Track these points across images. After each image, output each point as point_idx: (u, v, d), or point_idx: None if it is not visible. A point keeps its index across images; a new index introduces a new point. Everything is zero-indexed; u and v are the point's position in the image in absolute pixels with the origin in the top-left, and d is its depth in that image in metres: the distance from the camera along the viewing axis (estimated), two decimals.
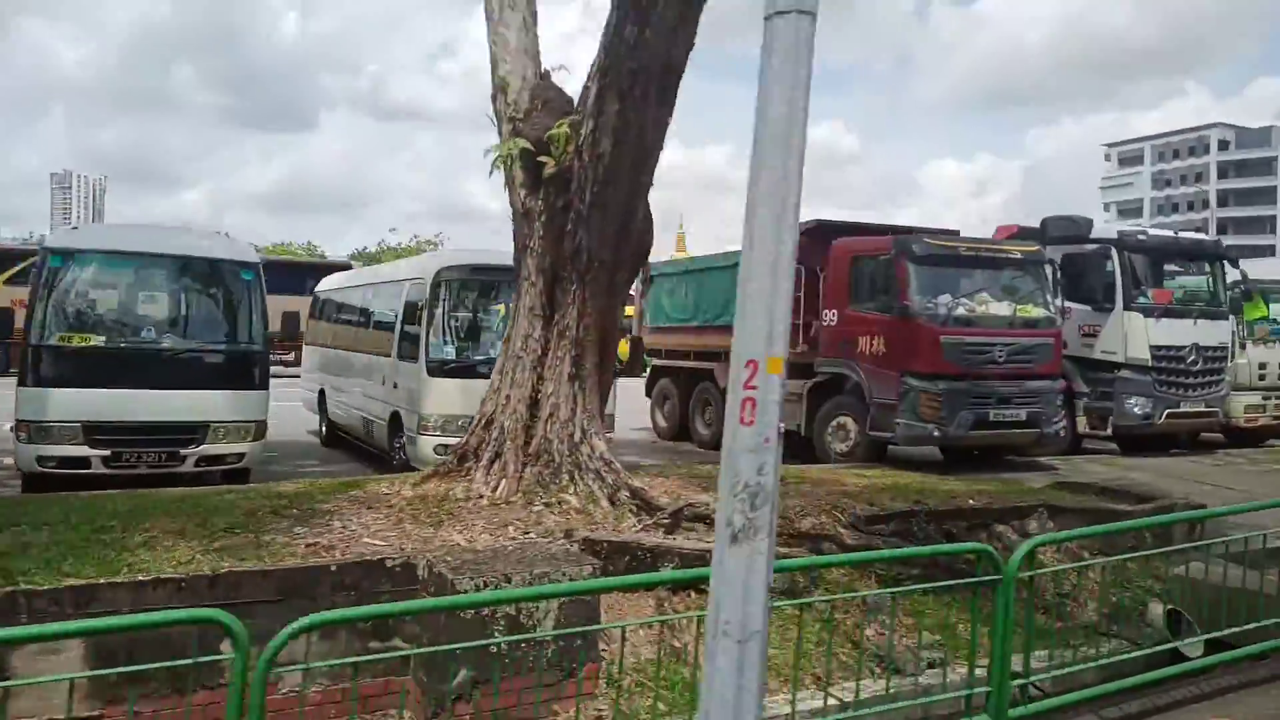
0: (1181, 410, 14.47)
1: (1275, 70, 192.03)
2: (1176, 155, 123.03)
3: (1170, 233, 17.78)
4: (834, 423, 12.98)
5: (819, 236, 13.13)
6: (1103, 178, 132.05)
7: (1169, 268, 15.55)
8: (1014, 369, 12.23)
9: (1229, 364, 15.49)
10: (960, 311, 12.21)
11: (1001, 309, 12.49)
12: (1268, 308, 16.49)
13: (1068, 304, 13.68)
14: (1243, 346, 16.31)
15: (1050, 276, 13.14)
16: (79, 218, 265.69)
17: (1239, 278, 16.04)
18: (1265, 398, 16.56)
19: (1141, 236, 15.18)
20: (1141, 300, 14.24)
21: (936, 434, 11.81)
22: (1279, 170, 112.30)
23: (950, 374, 11.83)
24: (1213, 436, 16.66)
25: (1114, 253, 14.27)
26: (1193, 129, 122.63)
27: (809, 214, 10.22)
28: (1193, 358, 14.47)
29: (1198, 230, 62.04)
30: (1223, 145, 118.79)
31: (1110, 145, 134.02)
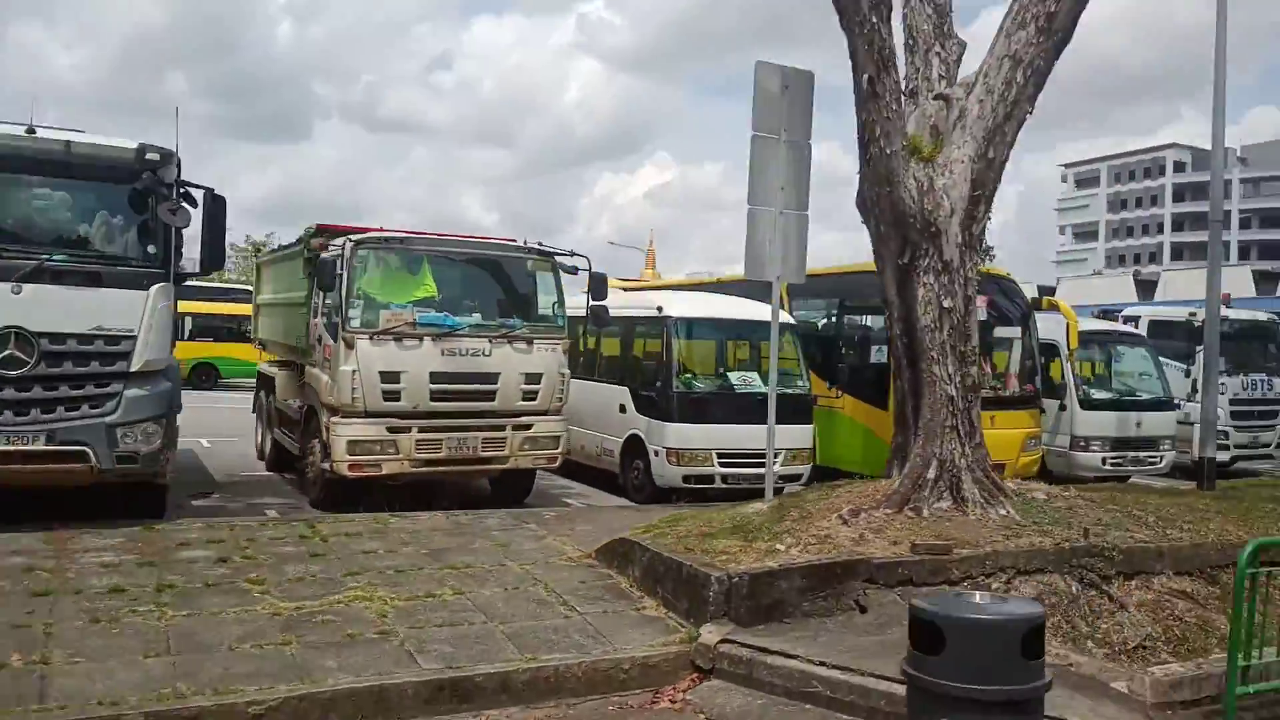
0: None
1: (1274, 99, 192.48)
2: (1132, 176, 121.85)
3: None
4: None
5: None
6: (1059, 199, 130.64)
7: None
8: None
9: None
10: None
11: None
12: None
13: None
14: None
15: None
16: None
17: None
18: None
19: None
20: None
21: None
22: (1234, 194, 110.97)
23: None
24: None
25: None
26: (1148, 150, 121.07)
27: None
28: None
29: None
30: (1179, 167, 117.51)
31: (1067, 165, 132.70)
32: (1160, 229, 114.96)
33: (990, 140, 8.55)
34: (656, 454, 11.63)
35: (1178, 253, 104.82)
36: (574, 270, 11.11)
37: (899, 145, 8.39)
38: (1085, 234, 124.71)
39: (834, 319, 13.63)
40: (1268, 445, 17.05)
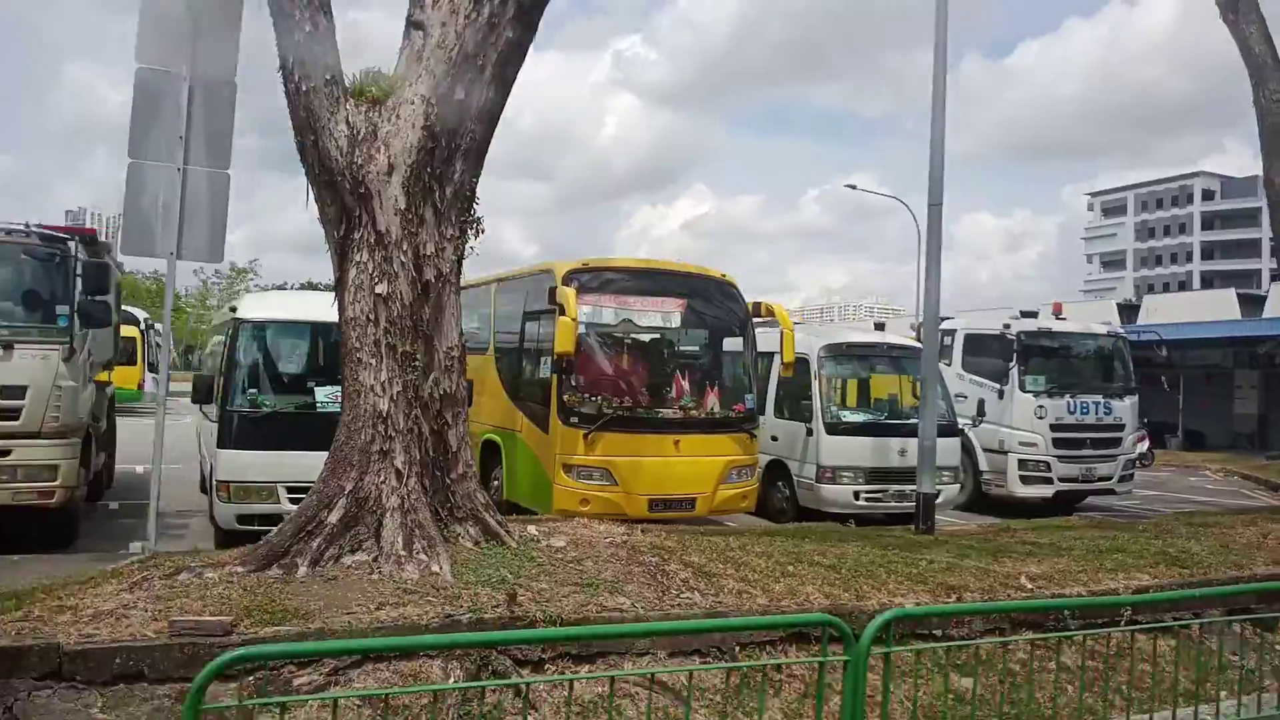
0: None
1: None
2: (1160, 205, 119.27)
3: None
4: None
5: None
6: (1085, 228, 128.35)
7: None
8: None
9: None
10: None
11: None
12: None
13: None
14: None
15: None
16: None
17: None
18: None
19: None
20: None
21: None
22: (1264, 221, 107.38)
23: None
24: None
25: None
26: (1176, 178, 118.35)
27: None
28: None
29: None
30: (1208, 195, 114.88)
31: (1094, 194, 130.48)
32: (1189, 257, 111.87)
33: (456, 74, 6.57)
34: (216, 489, 9.46)
35: (1208, 281, 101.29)
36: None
37: (321, 78, 6.42)
38: (1113, 263, 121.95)
39: (516, 329, 11.58)
40: (1106, 479, 14.62)
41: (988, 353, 14.53)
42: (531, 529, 7.32)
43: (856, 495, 12.00)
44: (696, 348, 11.39)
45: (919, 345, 13.30)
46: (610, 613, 5.86)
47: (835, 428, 12.10)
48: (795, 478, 12.39)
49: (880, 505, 12.14)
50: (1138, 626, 6.34)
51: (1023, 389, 14.03)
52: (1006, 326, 14.31)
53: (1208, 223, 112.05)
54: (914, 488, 12.25)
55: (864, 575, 7.31)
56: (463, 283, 7.26)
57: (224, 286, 63.49)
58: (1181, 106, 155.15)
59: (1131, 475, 15.12)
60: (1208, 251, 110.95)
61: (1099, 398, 14.50)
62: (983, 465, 14.36)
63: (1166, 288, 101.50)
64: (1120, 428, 14.71)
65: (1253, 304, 39.08)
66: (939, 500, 12.51)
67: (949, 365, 15.07)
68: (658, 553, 7.08)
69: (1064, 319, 15.26)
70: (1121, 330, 15.72)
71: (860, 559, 7.86)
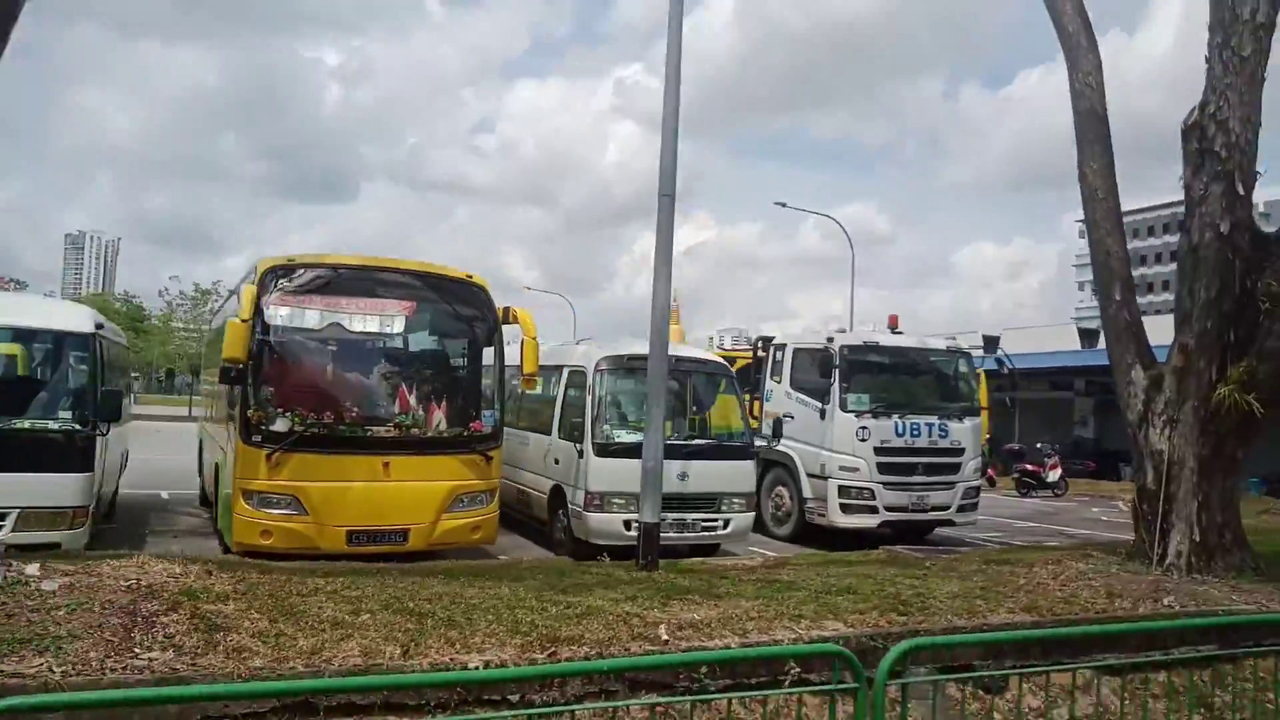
0: None
1: None
2: (1151, 232, 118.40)
3: None
4: None
5: None
6: (1076, 255, 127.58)
7: None
8: None
9: None
10: None
11: None
12: None
13: None
14: None
15: None
16: (89, 279, 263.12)
17: None
18: None
19: None
20: None
21: None
22: None
23: None
24: None
25: None
26: (1167, 205, 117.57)
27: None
28: None
29: None
30: None
31: (1083, 220, 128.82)
32: None
33: None
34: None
35: None
36: None
37: None
38: None
39: None
40: (942, 508, 13.27)
41: (814, 369, 13.24)
42: (32, 567, 6.06)
43: (628, 525, 10.69)
44: (425, 357, 10.13)
45: (716, 359, 12.04)
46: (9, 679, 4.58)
47: (606, 449, 10.81)
48: (569, 505, 11.11)
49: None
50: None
51: (844, 408, 12.76)
52: (830, 340, 13.02)
53: None
54: (697, 516, 11.03)
55: (450, 626, 6.02)
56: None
57: (188, 308, 62.58)
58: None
59: (974, 504, 13.77)
60: None
61: (934, 419, 13.19)
62: (806, 492, 13.06)
63: (1159, 314, 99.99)
64: (959, 452, 13.41)
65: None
66: (726, 531, 11.26)
67: (779, 382, 13.81)
68: (180, 601, 5.80)
69: (900, 333, 13.97)
70: (963, 347, 14.35)
71: (483, 604, 6.60)
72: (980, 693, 6.78)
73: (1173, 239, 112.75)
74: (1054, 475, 25.84)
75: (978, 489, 13.98)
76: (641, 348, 12.03)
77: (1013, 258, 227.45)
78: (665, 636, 6.24)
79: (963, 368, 13.97)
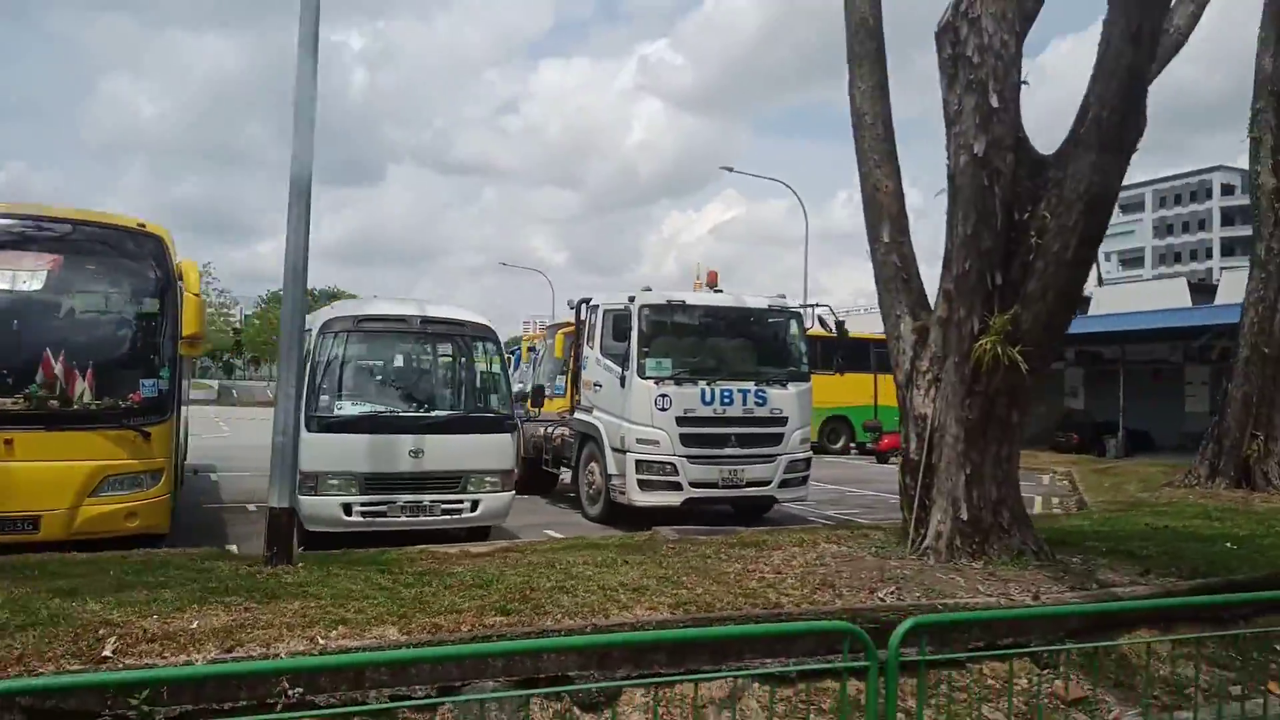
0: None
1: None
2: (1178, 201, 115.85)
3: None
4: None
5: None
6: None
7: None
8: None
9: None
10: None
11: None
12: None
13: None
14: None
15: None
16: None
17: None
18: None
19: None
20: None
21: None
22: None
23: None
24: None
25: None
26: (1194, 172, 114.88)
27: None
28: None
29: None
30: (1227, 190, 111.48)
31: None
32: (1209, 254, 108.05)
33: None
34: None
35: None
36: None
37: None
38: (1131, 260, 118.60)
39: None
40: (761, 483, 11.86)
41: (619, 332, 11.85)
42: None
43: (348, 509, 9.45)
44: (74, 319, 8.85)
45: (478, 321, 10.71)
46: None
47: (324, 422, 9.53)
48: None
49: (383, 521, 9.56)
50: None
51: (641, 375, 11.37)
52: (630, 300, 11.61)
53: (1228, 218, 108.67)
54: (436, 498, 9.77)
55: None
56: None
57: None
58: (1217, 105, 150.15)
59: (802, 479, 12.35)
60: (1228, 248, 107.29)
61: (749, 385, 11.77)
62: (610, 468, 11.68)
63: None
64: (780, 421, 11.99)
65: (1205, 294, 35.60)
66: (475, 513, 10.00)
67: (592, 348, 12.46)
68: None
69: (719, 290, 12.53)
70: (792, 305, 12.88)
71: None
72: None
73: (1200, 206, 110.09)
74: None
75: (807, 461, 12.54)
76: (376, 307, 10.76)
77: None
78: (107, 652, 4.96)
79: (792, 329, 12.51)
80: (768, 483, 11.93)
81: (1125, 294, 38.05)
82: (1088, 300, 39.26)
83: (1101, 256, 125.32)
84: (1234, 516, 11.11)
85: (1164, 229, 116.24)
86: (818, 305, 14.58)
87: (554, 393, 14.38)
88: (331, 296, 59.08)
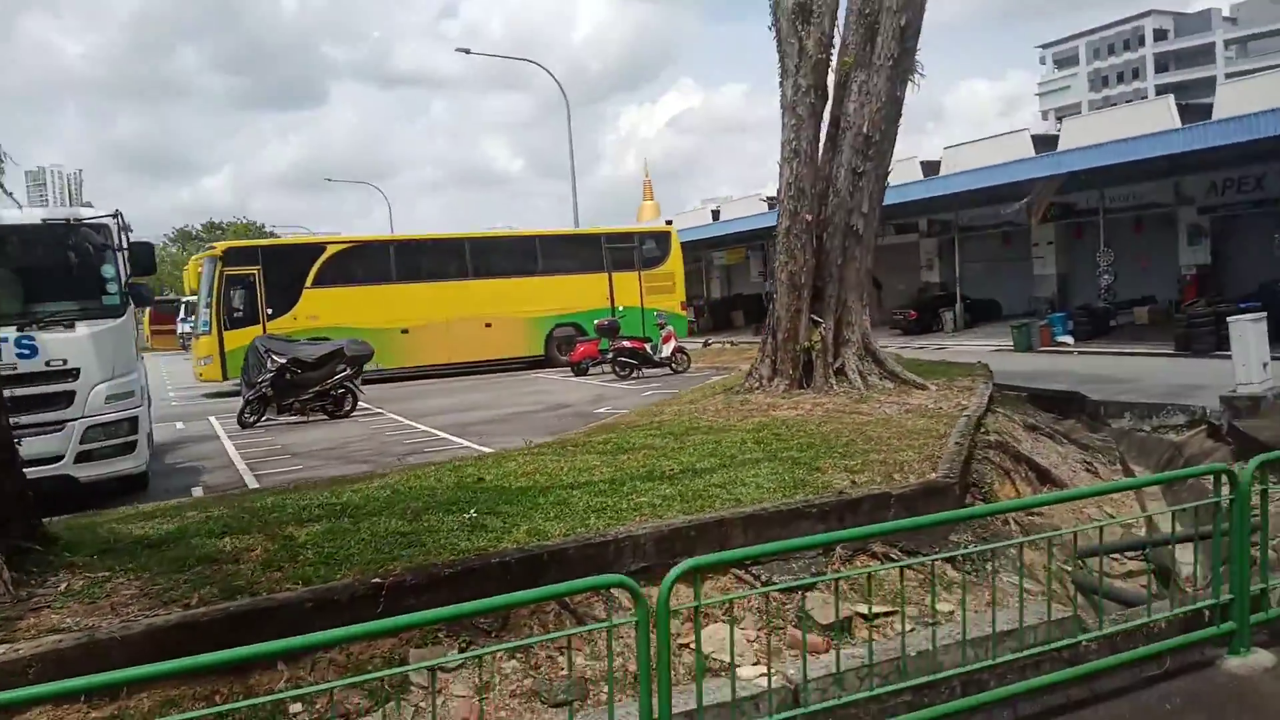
0: None
1: None
2: (1112, 51, 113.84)
3: None
4: None
5: None
6: (1039, 83, 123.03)
7: None
8: None
9: None
10: None
11: None
12: None
13: None
14: None
15: None
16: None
17: None
18: None
19: None
20: None
21: None
22: (1218, 57, 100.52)
23: None
24: None
25: None
26: (1125, 20, 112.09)
27: None
28: None
29: None
30: (1160, 35, 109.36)
31: (1044, 46, 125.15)
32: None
33: None
34: None
35: None
36: None
37: None
38: (1069, 116, 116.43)
39: None
40: (53, 460, 9.35)
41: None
42: None
43: None
44: None
45: None
46: None
47: None
48: None
49: None
50: None
51: None
52: None
53: (1162, 65, 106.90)
54: None
55: None
56: None
57: None
58: None
59: (124, 447, 9.90)
60: (1164, 94, 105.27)
61: (11, 331, 9.26)
62: None
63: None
64: (68, 376, 9.49)
65: (1050, 145, 33.16)
66: None
67: None
68: None
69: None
70: (91, 216, 9.97)
71: None
72: None
73: (1134, 55, 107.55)
74: (667, 349, 21.21)
75: (130, 423, 9.93)
76: None
77: (1007, 93, 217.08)
78: None
79: (88, 248, 9.70)
80: (59, 458, 9.33)
81: (977, 152, 35.62)
82: (936, 164, 37.05)
83: (1038, 113, 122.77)
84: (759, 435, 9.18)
85: (1099, 81, 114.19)
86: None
87: None
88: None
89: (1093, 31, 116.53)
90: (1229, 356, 12.05)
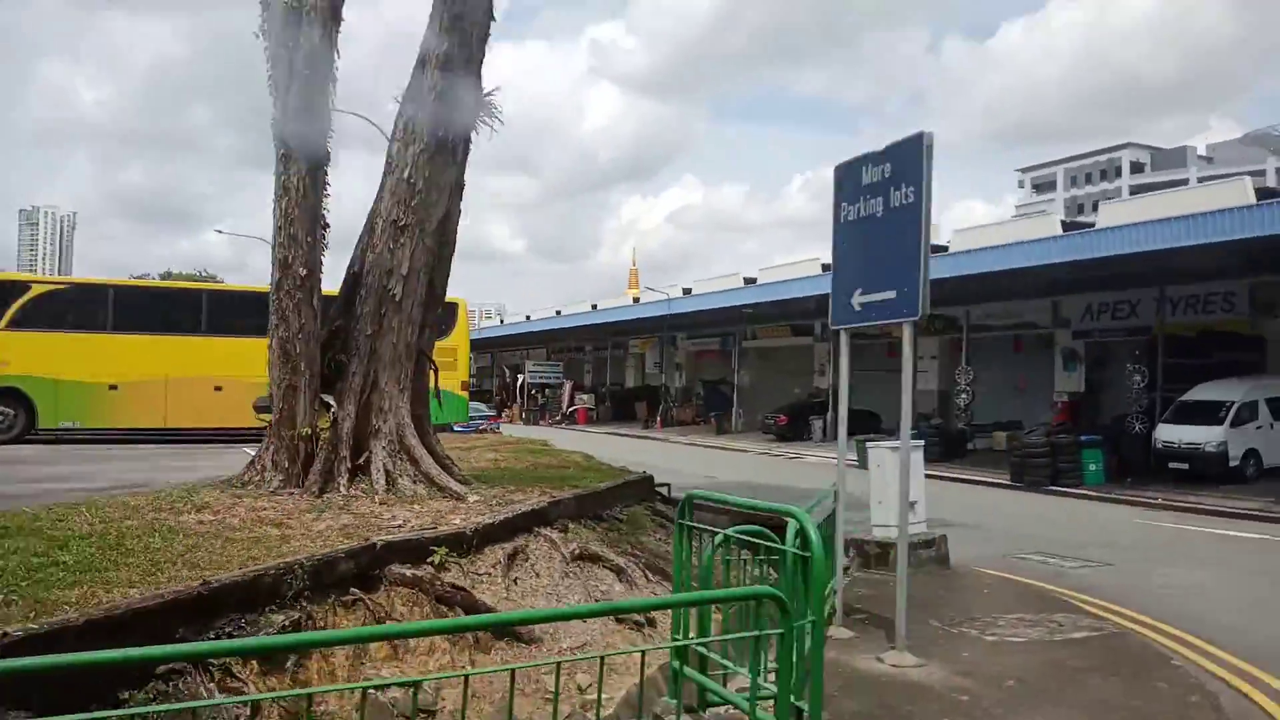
0: None
1: None
2: (1089, 179, 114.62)
3: None
4: None
5: None
6: (1016, 205, 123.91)
7: None
8: None
9: None
10: None
11: None
12: None
13: None
14: None
15: None
16: (44, 255, 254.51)
17: None
18: None
19: None
20: None
21: None
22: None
23: None
24: None
25: None
26: (1104, 150, 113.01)
27: None
28: None
29: None
30: (1137, 168, 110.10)
31: (1024, 170, 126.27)
32: None
33: None
34: None
35: None
36: None
37: None
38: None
39: None
40: None
41: None
42: None
43: None
44: None
45: None
46: None
47: None
48: None
49: None
50: None
51: None
52: None
53: (1137, 195, 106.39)
54: None
55: None
56: None
57: None
58: (1163, 88, 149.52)
59: None
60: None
61: None
62: None
63: None
64: None
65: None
66: None
67: None
68: None
69: None
70: None
71: None
72: None
73: (1110, 185, 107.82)
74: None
75: None
76: None
77: (1003, 215, 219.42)
78: None
79: None
80: None
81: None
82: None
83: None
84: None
85: (1075, 208, 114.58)
86: None
87: None
88: None
89: (1071, 159, 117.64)
90: (1066, 492, 9.83)
